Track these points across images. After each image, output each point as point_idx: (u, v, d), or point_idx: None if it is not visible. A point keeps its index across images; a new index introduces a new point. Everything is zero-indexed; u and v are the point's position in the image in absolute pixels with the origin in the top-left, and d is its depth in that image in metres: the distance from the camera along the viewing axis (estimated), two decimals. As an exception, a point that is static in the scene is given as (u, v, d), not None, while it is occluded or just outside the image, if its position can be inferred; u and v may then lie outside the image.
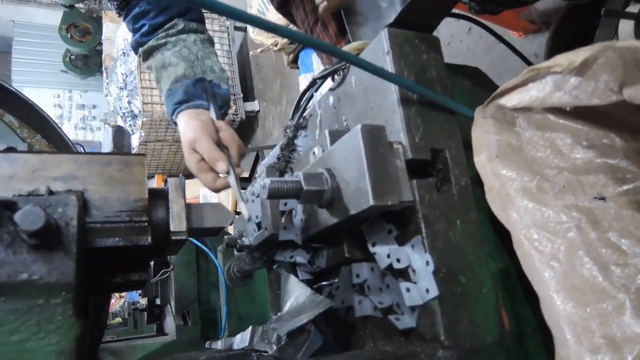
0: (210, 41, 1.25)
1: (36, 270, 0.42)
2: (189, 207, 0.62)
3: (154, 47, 1.17)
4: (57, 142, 1.08)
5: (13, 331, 0.41)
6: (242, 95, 5.37)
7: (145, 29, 1.17)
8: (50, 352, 0.42)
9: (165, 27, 1.16)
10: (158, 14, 1.16)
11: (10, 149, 0.55)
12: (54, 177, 0.52)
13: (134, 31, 1.20)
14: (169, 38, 1.16)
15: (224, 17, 5.30)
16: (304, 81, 3.82)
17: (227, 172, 1.04)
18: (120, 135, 0.61)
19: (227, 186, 1.08)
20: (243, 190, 0.99)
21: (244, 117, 5.32)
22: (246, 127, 5.66)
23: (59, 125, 1.09)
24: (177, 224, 0.59)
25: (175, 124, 1.15)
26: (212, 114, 1.12)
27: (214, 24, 5.31)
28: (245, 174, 3.93)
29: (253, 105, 5.52)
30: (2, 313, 0.41)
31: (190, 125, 1.08)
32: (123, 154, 0.58)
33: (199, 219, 0.63)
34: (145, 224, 0.55)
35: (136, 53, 1.23)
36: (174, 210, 0.60)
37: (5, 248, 0.42)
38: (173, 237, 0.59)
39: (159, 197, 0.60)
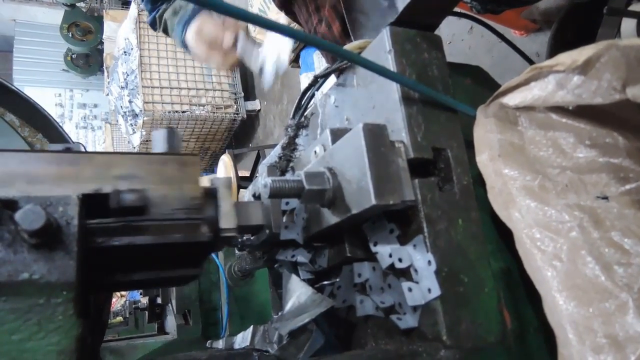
0: None
1: (37, 269, 0.42)
2: (236, 205, 0.63)
3: (165, 9, 1.27)
4: (58, 141, 1.08)
5: (13, 330, 0.41)
6: (243, 94, 5.38)
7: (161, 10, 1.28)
8: (50, 351, 0.42)
9: None
10: None
11: (67, 149, 0.56)
12: (118, 176, 0.54)
13: (151, 11, 1.31)
14: None
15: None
16: (305, 80, 3.81)
17: (236, 41, 1.12)
18: (172, 136, 0.63)
19: (237, 61, 1.16)
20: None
21: (244, 116, 5.32)
22: (247, 126, 5.66)
23: (60, 124, 1.09)
24: (228, 221, 0.60)
25: (186, 47, 1.22)
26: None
27: (215, 23, 5.30)
28: (246, 173, 3.93)
29: (254, 104, 5.52)
30: (2, 312, 0.41)
31: (196, 25, 1.17)
32: (178, 154, 0.60)
33: (245, 216, 0.66)
34: (201, 221, 0.57)
35: (154, 29, 1.34)
36: (224, 207, 0.61)
37: (6, 247, 0.42)
38: (223, 234, 0.60)
39: (209, 195, 0.61)
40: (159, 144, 0.61)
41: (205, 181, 0.61)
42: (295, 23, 1.44)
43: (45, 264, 0.42)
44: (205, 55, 1.18)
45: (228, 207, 0.61)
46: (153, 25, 1.33)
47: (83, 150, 0.59)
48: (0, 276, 0.41)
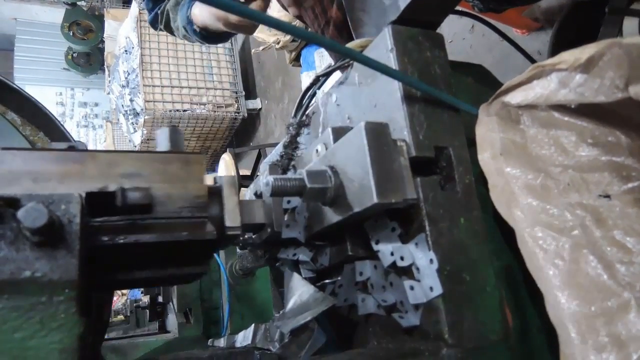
0: None
1: (39, 267, 0.42)
2: (241, 204, 0.63)
3: (166, 3, 1.30)
4: (59, 140, 1.08)
5: (16, 329, 0.41)
6: (244, 93, 5.38)
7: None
8: (53, 349, 0.42)
9: None
10: None
11: (71, 148, 0.57)
12: (122, 174, 0.54)
13: (151, 9, 1.33)
14: None
15: (226, 15, 5.28)
16: (306, 79, 3.81)
17: None
18: (175, 134, 0.63)
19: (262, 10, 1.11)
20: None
21: (245, 115, 5.32)
22: (248, 125, 5.66)
23: (61, 123, 1.09)
24: (232, 219, 0.61)
25: (191, 25, 1.21)
26: None
27: (216, 21, 5.31)
28: (247, 172, 3.93)
29: (255, 103, 5.52)
30: (4, 310, 0.41)
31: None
32: (182, 152, 0.60)
33: (250, 214, 0.66)
34: (206, 219, 0.57)
35: (155, 28, 1.34)
36: (228, 206, 0.62)
37: (9, 245, 0.42)
38: (228, 232, 0.61)
39: (213, 194, 0.62)
40: (163, 142, 0.61)
41: (209, 179, 0.61)
42: (297, 21, 1.44)
43: (48, 262, 0.42)
44: (223, 11, 1.15)
45: (233, 206, 0.61)
46: (154, 23, 1.33)
47: (86, 148, 0.59)
48: (2, 274, 0.41)
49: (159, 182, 0.55)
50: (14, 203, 0.43)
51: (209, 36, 1.26)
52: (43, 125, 1.07)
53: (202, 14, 1.19)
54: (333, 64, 0.82)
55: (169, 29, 1.35)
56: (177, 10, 1.26)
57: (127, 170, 0.54)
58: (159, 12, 1.31)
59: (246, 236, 0.95)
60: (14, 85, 1.03)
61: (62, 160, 0.52)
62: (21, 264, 0.42)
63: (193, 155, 0.59)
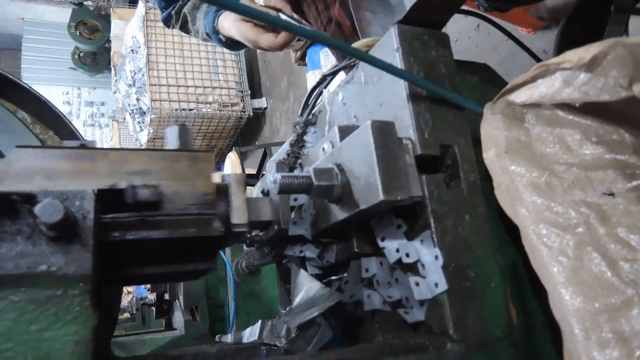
0: None
1: (54, 261, 0.43)
2: (247, 201, 0.64)
3: (182, 5, 1.31)
4: (68, 138, 1.09)
5: (32, 321, 0.42)
6: (249, 92, 5.39)
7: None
8: (68, 341, 0.43)
9: None
10: None
11: (82, 146, 0.57)
12: (132, 172, 0.55)
13: (165, 8, 1.35)
14: None
15: (231, 14, 5.30)
16: (311, 78, 3.82)
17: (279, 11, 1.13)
18: (184, 132, 0.64)
19: (289, 39, 1.16)
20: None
21: (251, 114, 5.34)
22: (253, 124, 5.68)
23: (70, 121, 1.11)
24: (239, 216, 0.62)
25: (217, 34, 1.24)
26: None
27: (221, 21, 5.33)
28: (253, 171, 3.94)
29: (260, 102, 5.54)
30: (21, 303, 0.42)
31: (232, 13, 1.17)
32: (191, 150, 0.61)
33: (256, 212, 0.67)
34: (214, 216, 0.58)
35: (167, 26, 1.37)
36: (235, 203, 0.62)
37: (25, 240, 0.43)
38: (235, 229, 0.62)
39: (220, 191, 0.63)
40: (172, 140, 0.62)
41: (216, 177, 0.62)
42: (305, 22, 1.45)
43: (63, 257, 0.43)
44: (254, 35, 1.15)
45: (240, 203, 0.62)
46: (167, 21, 1.34)
47: (98, 146, 0.60)
48: (19, 268, 0.42)
49: (167, 180, 0.56)
50: (30, 199, 0.44)
51: (233, 45, 1.29)
52: (53, 123, 1.09)
53: (231, 31, 1.19)
54: (337, 63, 0.83)
55: (184, 30, 1.36)
56: (197, 15, 1.27)
57: (137, 167, 0.55)
58: (172, 12, 1.32)
59: (253, 233, 0.96)
60: (25, 84, 1.05)
61: (73, 158, 0.53)
62: (37, 258, 0.43)
63: (201, 153, 0.60)
